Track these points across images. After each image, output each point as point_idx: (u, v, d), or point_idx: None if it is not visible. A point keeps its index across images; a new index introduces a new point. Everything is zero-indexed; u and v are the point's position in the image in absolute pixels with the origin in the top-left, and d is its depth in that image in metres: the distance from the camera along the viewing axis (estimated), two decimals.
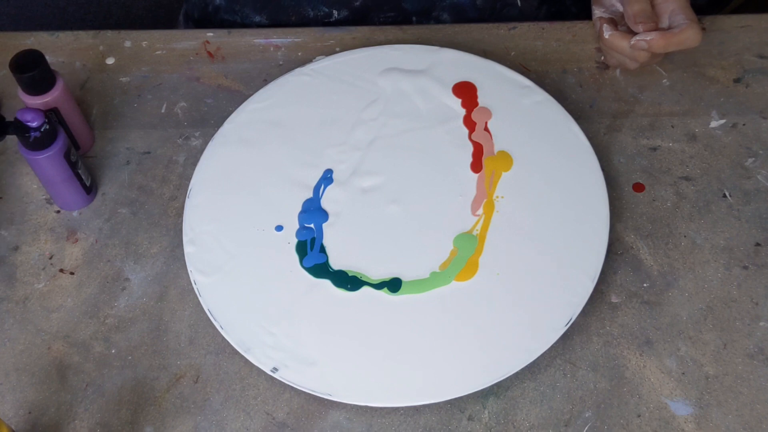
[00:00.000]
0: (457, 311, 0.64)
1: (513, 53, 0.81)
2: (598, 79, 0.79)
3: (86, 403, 0.63)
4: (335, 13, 0.87)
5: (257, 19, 0.88)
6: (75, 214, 0.73)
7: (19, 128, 0.65)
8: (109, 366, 0.65)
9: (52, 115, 0.69)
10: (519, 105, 0.75)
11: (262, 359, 0.63)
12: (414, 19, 0.86)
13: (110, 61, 0.83)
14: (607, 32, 0.75)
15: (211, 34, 0.84)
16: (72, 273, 0.70)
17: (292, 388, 0.63)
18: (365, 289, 0.66)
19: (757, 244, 0.68)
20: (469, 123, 0.74)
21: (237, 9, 0.88)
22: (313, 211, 0.70)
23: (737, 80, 0.78)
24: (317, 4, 0.86)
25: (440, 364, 0.62)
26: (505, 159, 0.72)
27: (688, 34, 0.71)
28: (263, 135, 0.74)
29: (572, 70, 0.80)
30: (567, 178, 0.70)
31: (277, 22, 0.88)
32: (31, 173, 0.76)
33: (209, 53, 0.83)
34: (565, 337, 0.64)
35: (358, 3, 0.85)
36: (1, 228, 0.73)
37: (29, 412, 0.63)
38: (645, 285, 0.67)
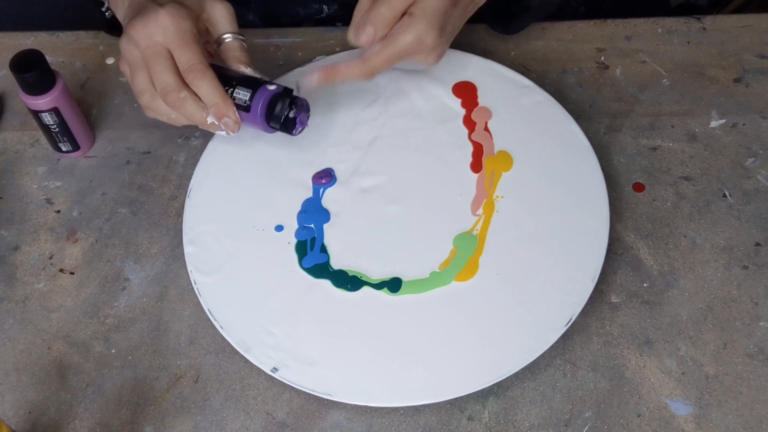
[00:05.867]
0: (457, 311, 0.64)
1: (513, 53, 0.81)
2: (598, 79, 0.79)
3: (86, 403, 0.63)
4: (325, 8, 0.86)
5: (250, 17, 0.88)
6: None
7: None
8: (109, 366, 0.65)
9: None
10: (519, 105, 0.74)
11: (262, 359, 0.63)
12: None
13: (110, 61, 0.83)
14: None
15: None
16: (72, 273, 0.70)
17: (292, 388, 0.63)
18: (365, 289, 0.66)
19: (757, 244, 0.68)
20: (469, 123, 0.74)
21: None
22: (313, 211, 0.70)
23: (737, 80, 0.78)
24: (307, 1, 0.86)
25: (440, 364, 0.62)
26: (505, 159, 0.72)
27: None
28: (263, 135, 0.74)
29: (572, 70, 0.80)
30: (567, 178, 0.70)
31: (268, 20, 0.88)
32: (32, 173, 0.76)
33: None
34: (565, 337, 0.64)
35: None
36: (1, 228, 0.73)
37: (29, 412, 0.63)
38: (645, 285, 0.67)
